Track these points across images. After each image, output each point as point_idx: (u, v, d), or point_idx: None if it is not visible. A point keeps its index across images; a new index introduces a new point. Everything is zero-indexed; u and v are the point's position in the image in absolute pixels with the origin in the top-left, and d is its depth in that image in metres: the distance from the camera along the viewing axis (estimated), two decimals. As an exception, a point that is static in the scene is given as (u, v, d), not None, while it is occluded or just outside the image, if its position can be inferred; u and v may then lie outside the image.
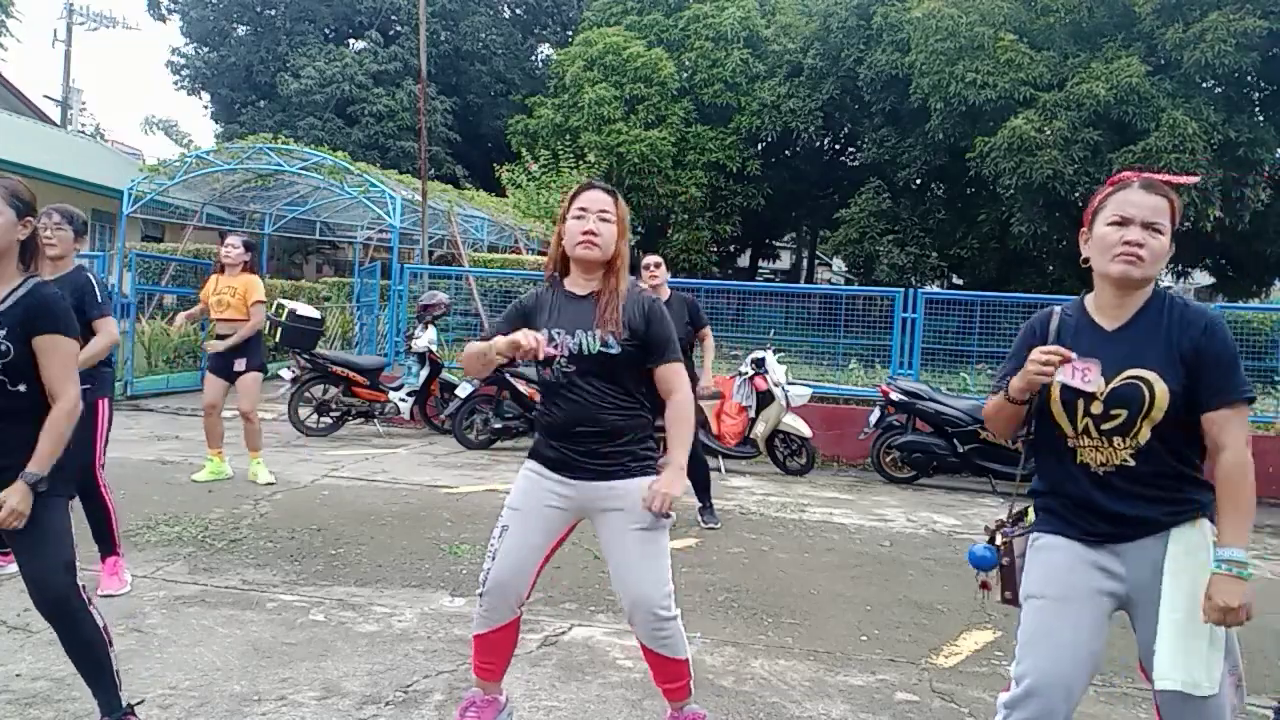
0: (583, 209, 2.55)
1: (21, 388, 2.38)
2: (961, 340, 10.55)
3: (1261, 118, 17.56)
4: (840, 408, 8.99)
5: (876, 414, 7.92)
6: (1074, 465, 2.05)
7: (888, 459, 7.95)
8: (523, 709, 2.95)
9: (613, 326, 2.51)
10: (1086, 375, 1.99)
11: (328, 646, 3.41)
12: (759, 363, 7.69)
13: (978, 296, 10.89)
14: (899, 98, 19.45)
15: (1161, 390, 1.96)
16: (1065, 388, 2.02)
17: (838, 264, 29.80)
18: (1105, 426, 2.00)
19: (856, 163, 23.75)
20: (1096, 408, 2.00)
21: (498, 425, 8.35)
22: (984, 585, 2.27)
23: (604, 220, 2.53)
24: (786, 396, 7.64)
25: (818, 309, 11.28)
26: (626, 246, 2.62)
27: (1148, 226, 1.98)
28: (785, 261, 35.37)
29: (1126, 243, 1.98)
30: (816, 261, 31.31)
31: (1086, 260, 2.10)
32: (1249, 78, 16.93)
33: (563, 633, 3.70)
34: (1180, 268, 21.81)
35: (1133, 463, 1.99)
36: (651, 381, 2.62)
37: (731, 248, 27.41)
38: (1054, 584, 2.05)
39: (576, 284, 2.62)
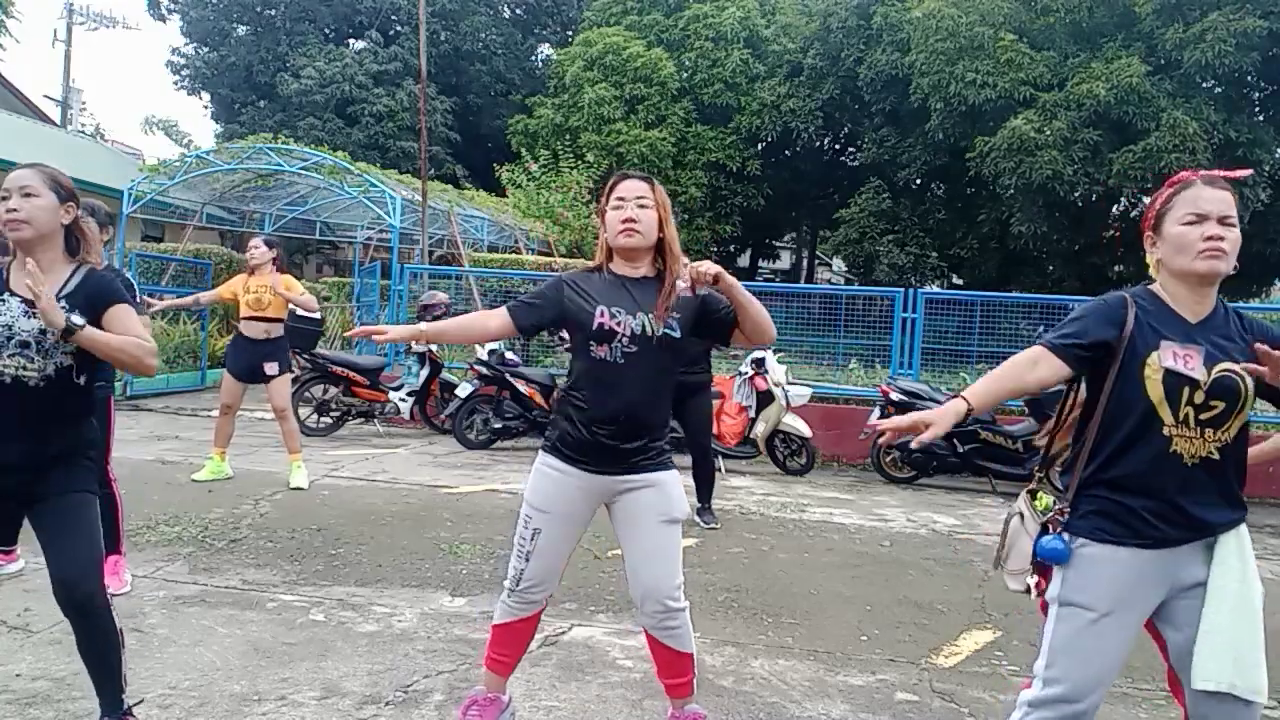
0: (620, 198, 2.54)
1: (81, 380, 2.45)
2: (961, 340, 10.56)
3: (1261, 118, 17.56)
4: (840, 408, 8.99)
5: (876, 414, 7.92)
6: (1166, 454, 1.99)
7: (888, 459, 7.95)
8: (523, 709, 2.95)
9: (676, 313, 2.50)
10: (1190, 362, 1.97)
11: (328, 646, 3.41)
12: (759, 363, 7.69)
13: (978, 296, 10.90)
14: (899, 98, 19.44)
15: (1249, 385, 1.98)
16: (1169, 374, 1.97)
17: (838, 264, 29.80)
18: (1203, 417, 1.98)
19: (856, 163, 23.73)
20: (1199, 397, 1.98)
21: (498, 425, 8.35)
22: (1041, 598, 2.15)
23: (642, 207, 2.52)
24: (786, 396, 7.64)
25: (818, 309, 11.29)
26: (673, 229, 2.59)
27: (1223, 220, 1.99)
28: (785, 261, 35.36)
29: (1209, 238, 1.98)
30: (816, 261, 31.30)
31: (1160, 261, 2.07)
32: (1249, 78, 16.93)
33: (563, 633, 3.70)
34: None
35: (1217, 456, 1.99)
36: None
37: (731, 248, 27.40)
38: (1101, 597, 2.01)
39: (625, 270, 2.59)
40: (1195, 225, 2.00)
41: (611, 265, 2.61)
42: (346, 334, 2.63)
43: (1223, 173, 2.07)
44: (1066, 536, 2.08)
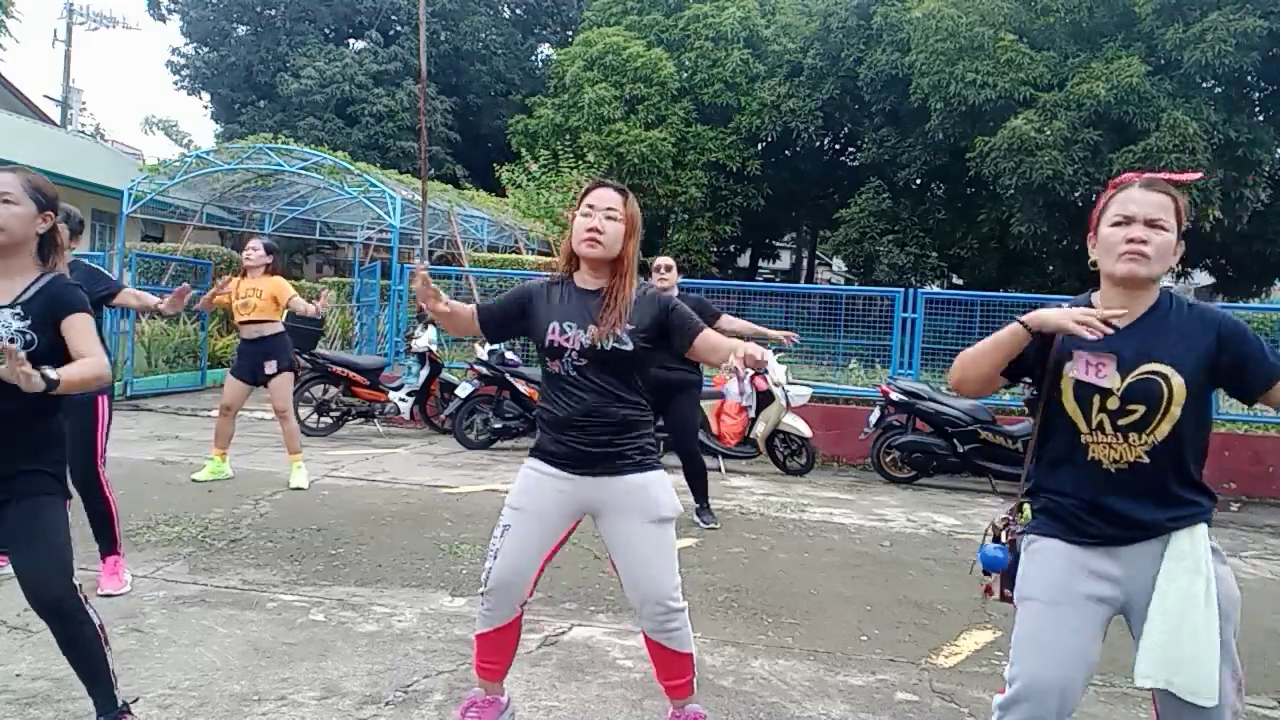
0: (590, 206, 2.54)
1: None
2: (961, 340, 10.54)
3: (1261, 118, 17.57)
4: (840, 408, 8.99)
5: (876, 414, 7.92)
6: (1085, 462, 2.01)
7: (888, 459, 7.95)
8: (523, 709, 2.95)
9: (615, 324, 2.49)
10: (1101, 370, 1.96)
11: (328, 646, 3.41)
12: (759, 363, 7.67)
13: (978, 296, 10.89)
14: (899, 98, 19.45)
15: (1179, 383, 1.94)
16: (1079, 383, 1.99)
17: (838, 264, 29.79)
18: (1121, 422, 1.97)
19: (856, 163, 23.72)
20: (1113, 403, 1.97)
21: (498, 425, 8.35)
22: (987, 590, 2.24)
23: (610, 219, 2.52)
24: (786, 396, 7.64)
25: (818, 309, 11.29)
26: (635, 247, 2.59)
27: (1151, 224, 1.97)
28: (785, 261, 35.35)
29: (1130, 240, 1.96)
30: (816, 261, 31.30)
31: (1094, 263, 2.08)
32: (1249, 78, 16.93)
33: (563, 633, 3.70)
34: (1180, 268, 21.81)
35: (1147, 460, 1.97)
36: (646, 379, 2.65)
37: (731, 248, 27.40)
38: (1048, 588, 2.03)
39: (586, 280, 2.61)
40: (1121, 227, 1.99)
41: (575, 275, 2.63)
42: (416, 273, 2.57)
43: (1168, 175, 2.06)
44: (1009, 544, 2.14)
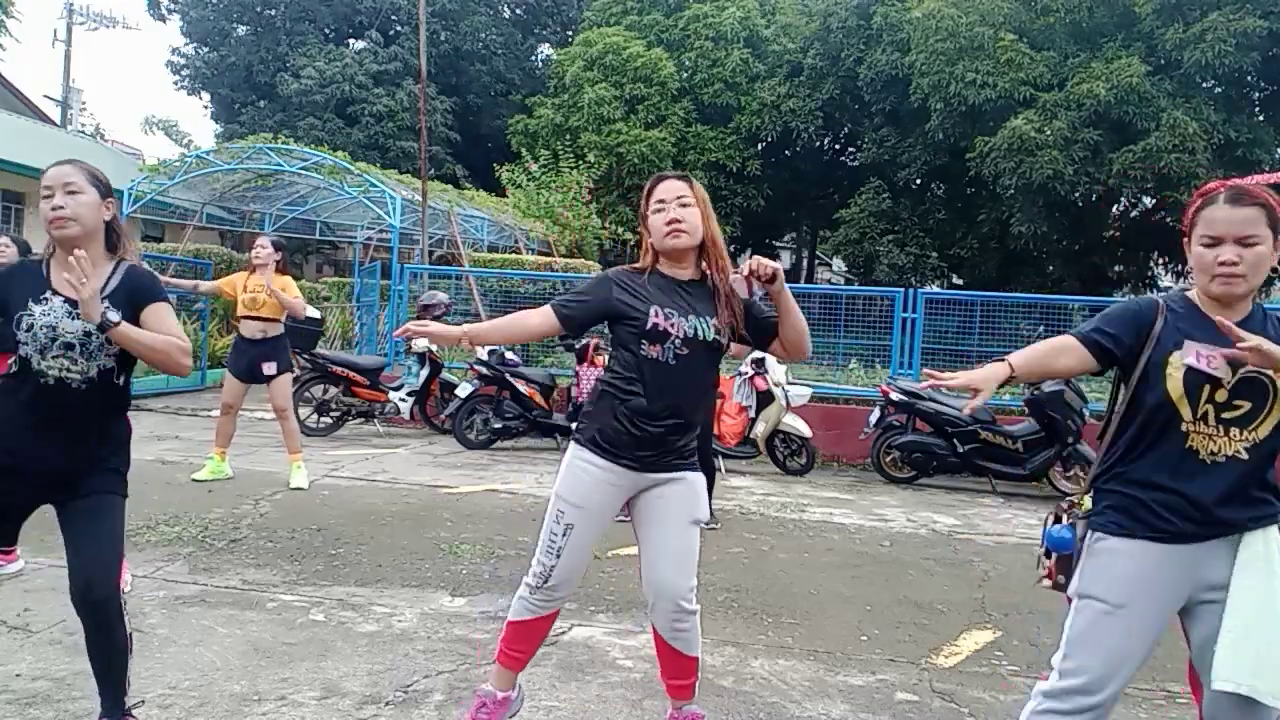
0: (661, 200, 2.53)
1: (121, 380, 2.44)
2: (961, 340, 10.56)
3: (1261, 118, 17.58)
4: (840, 408, 8.99)
5: (876, 414, 7.92)
6: (1182, 450, 2.01)
7: (888, 459, 7.95)
8: (523, 709, 2.95)
9: (730, 321, 2.52)
10: (1213, 361, 1.98)
11: (328, 646, 3.41)
12: (759, 363, 7.68)
13: (978, 296, 10.90)
14: (899, 98, 19.45)
15: None
16: (1190, 371, 1.99)
17: (838, 264, 29.81)
18: (1226, 415, 1.99)
19: (856, 163, 23.73)
20: (1221, 395, 1.98)
21: (498, 425, 8.35)
22: (1049, 576, 2.23)
23: (684, 206, 2.51)
24: (786, 396, 7.64)
25: (818, 309, 11.27)
26: (717, 226, 2.60)
27: (1240, 240, 1.96)
28: (785, 261, 35.31)
29: (1222, 263, 1.97)
30: (816, 261, 31.31)
31: (1190, 270, 2.10)
32: (1249, 78, 16.95)
33: (563, 633, 3.69)
34: (1181, 268, 21.81)
35: (1245, 455, 1.99)
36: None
37: (731, 248, 27.33)
38: (1111, 590, 2.04)
39: (674, 270, 2.58)
40: (1211, 248, 1.99)
41: (659, 266, 2.61)
42: (395, 334, 2.61)
43: (1261, 178, 2.06)
44: (1075, 526, 2.14)
